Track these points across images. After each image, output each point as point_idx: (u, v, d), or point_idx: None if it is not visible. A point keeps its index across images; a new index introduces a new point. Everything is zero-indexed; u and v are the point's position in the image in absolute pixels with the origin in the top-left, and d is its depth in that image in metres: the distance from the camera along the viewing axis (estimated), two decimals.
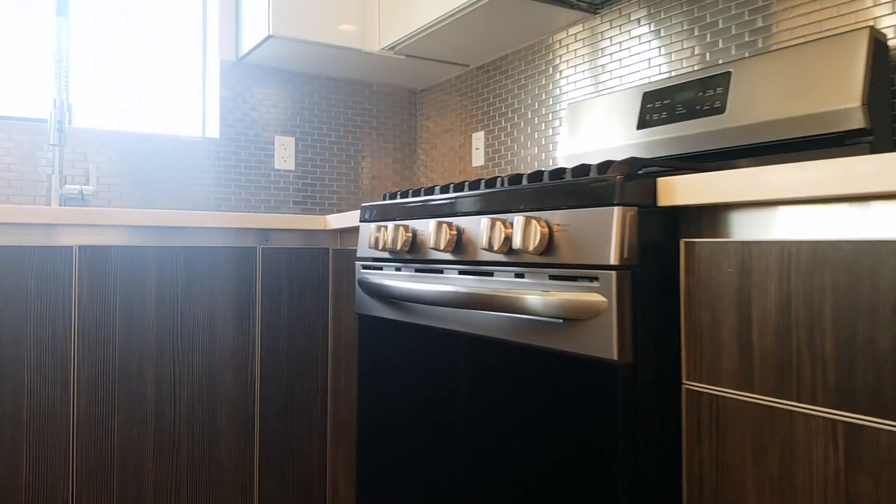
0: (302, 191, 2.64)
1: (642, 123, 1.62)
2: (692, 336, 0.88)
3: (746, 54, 1.56)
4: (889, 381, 0.69)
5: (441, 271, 1.23)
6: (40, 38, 2.31)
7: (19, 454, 1.46)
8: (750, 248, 0.82)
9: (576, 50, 2.05)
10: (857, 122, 1.23)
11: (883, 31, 1.31)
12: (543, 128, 2.18)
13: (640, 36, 1.83)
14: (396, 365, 1.38)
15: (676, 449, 0.91)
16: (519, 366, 1.05)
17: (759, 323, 0.80)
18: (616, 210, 0.89)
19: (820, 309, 0.75)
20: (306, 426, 1.82)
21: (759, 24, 1.53)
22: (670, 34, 1.74)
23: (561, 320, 0.95)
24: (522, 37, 2.19)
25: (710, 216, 0.89)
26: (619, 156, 1.70)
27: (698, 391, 0.87)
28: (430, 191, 1.32)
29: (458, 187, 1.24)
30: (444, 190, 1.28)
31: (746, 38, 1.56)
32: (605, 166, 0.96)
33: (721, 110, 1.45)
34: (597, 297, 0.89)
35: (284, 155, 2.60)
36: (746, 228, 0.84)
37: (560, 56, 2.11)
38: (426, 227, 1.27)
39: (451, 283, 1.19)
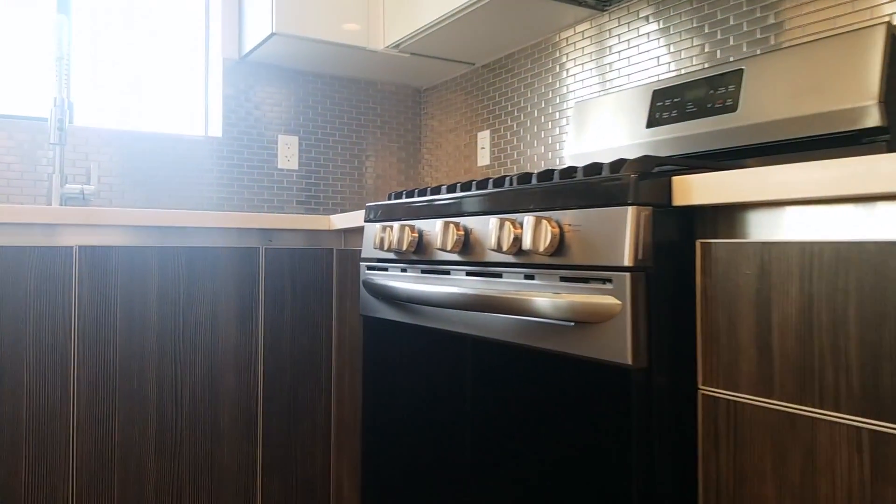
0: (305, 190, 2.61)
1: (652, 122, 1.60)
2: (709, 340, 0.85)
3: (758, 51, 1.53)
4: None
5: (448, 272, 1.20)
6: (41, 37, 2.29)
7: (18, 455, 1.44)
8: (769, 250, 0.79)
9: (583, 48, 2.02)
10: (874, 120, 1.20)
11: None
12: (550, 127, 2.15)
13: (648, 33, 1.80)
14: (401, 367, 1.35)
15: (692, 456, 0.88)
16: (527, 369, 1.03)
17: (780, 326, 0.78)
18: (630, 210, 0.86)
19: (844, 312, 0.72)
20: (310, 427, 1.80)
21: (771, 20, 1.51)
22: (679, 31, 1.72)
23: (572, 323, 0.93)
24: (529, 34, 2.16)
25: (727, 216, 0.86)
26: (627, 155, 1.67)
27: (715, 396, 0.85)
28: (436, 190, 1.30)
29: (466, 187, 1.21)
30: (451, 189, 1.25)
31: (758, 35, 1.53)
32: (618, 165, 0.94)
33: (733, 108, 1.43)
34: (610, 300, 0.87)
35: (288, 154, 2.57)
36: (765, 229, 0.81)
37: (567, 54, 2.08)
38: (433, 228, 1.25)
39: (459, 284, 1.17)
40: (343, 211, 2.69)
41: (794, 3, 1.46)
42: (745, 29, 1.56)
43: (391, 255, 1.37)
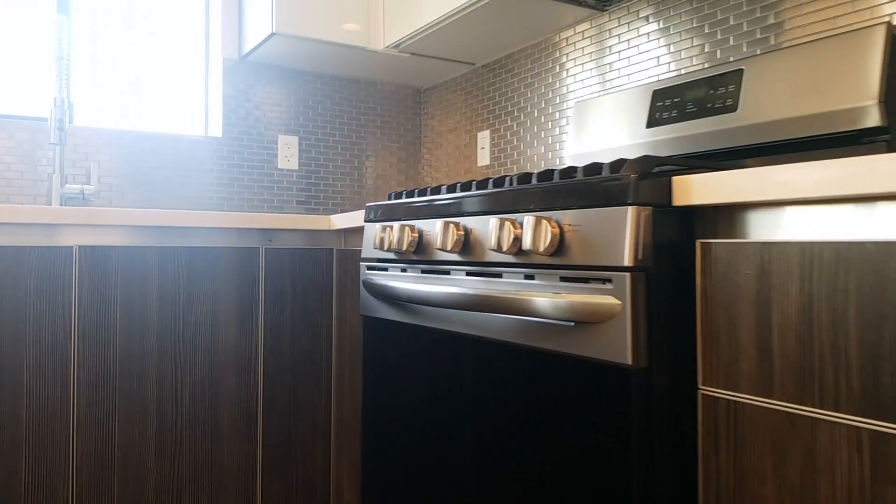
0: (305, 190, 2.61)
1: (652, 122, 1.60)
2: (709, 340, 0.85)
3: (758, 51, 1.53)
4: None
5: (448, 272, 1.20)
6: (41, 37, 2.29)
7: (18, 455, 1.44)
8: (769, 250, 0.79)
9: (583, 48, 2.02)
10: (874, 120, 1.20)
11: None
12: (550, 127, 2.15)
13: (648, 33, 1.80)
14: (402, 367, 1.35)
15: (692, 456, 0.88)
16: (526, 369, 1.03)
17: (780, 326, 0.78)
18: (630, 210, 0.86)
19: (844, 312, 0.72)
20: (310, 428, 1.80)
21: (771, 20, 1.51)
22: (680, 31, 1.72)
23: (572, 323, 0.92)
24: (529, 34, 2.16)
25: (727, 216, 0.86)
26: (627, 155, 1.67)
27: (715, 397, 0.84)
28: (436, 190, 1.30)
29: (466, 187, 1.21)
30: (451, 189, 1.25)
31: (758, 35, 1.53)
32: (618, 165, 0.94)
33: (733, 108, 1.43)
34: (610, 300, 0.87)
35: (288, 154, 2.57)
36: (765, 229, 0.81)
37: (567, 54, 2.08)
38: (433, 228, 1.25)
39: (459, 284, 1.17)
40: (343, 211, 2.69)
41: (793, 3, 1.46)
42: (745, 29, 1.56)
43: (391, 255, 1.37)
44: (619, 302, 0.86)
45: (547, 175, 1.06)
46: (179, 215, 1.61)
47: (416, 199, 1.32)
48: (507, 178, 1.12)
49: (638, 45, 1.83)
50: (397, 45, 2.30)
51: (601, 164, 0.98)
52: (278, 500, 1.75)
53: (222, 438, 1.68)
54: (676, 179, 0.87)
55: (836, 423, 0.73)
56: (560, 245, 0.95)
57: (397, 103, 2.82)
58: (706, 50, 1.65)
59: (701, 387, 0.86)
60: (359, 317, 1.70)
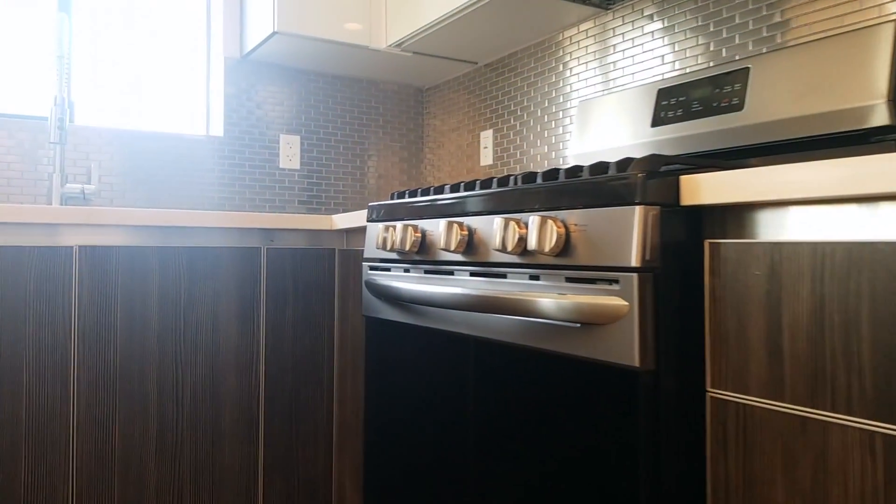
0: (307, 190, 2.60)
1: (657, 121, 1.58)
2: (717, 342, 0.84)
3: (764, 50, 1.51)
4: None
5: (451, 273, 1.19)
6: (41, 36, 2.28)
7: (18, 455, 1.43)
8: (780, 250, 0.78)
9: (587, 46, 2.01)
10: (882, 118, 1.19)
11: None
12: (553, 126, 2.14)
13: (652, 32, 1.79)
14: (404, 368, 1.34)
15: (700, 460, 0.87)
16: (530, 370, 1.02)
17: (791, 328, 0.76)
18: (637, 209, 0.85)
19: (857, 314, 0.71)
20: (312, 429, 1.79)
21: (777, 18, 1.49)
22: (684, 30, 1.70)
23: (578, 324, 0.91)
24: (532, 33, 2.15)
25: (735, 216, 0.84)
26: (631, 154, 1.65)
27: (724, 399, 0.83)
28: (440, 190, 1.29)
29: (470, 186, 1.20)
30: (455, 189, 1.24)
31: (764, 34, 1.52)
32: (625, 164, 0.92)
33: (739, 107, 1.41)
34: (617, 301, 0.85)
35: (290, 154, 2.56)
36: (774, 229, 0.80)
37: (570, 53, 2.07)
38: (436, 228, 1.24)
39: (463, 285, 1.15)
40: (344, 211, 2.67)
41: (800, 0, 1.45)
42: (750, 27, 1.55)
43: (394, 256, 1.36)
44: (626, 303, 0.85)
45: (552, 174, 1.05)
46: (180, 215, 1.60)
47: (419, 198, 1.31)
48: (512, 178, 1.10)
49: (642, 44, 1.82)
50: (399, 44, 2.28)
51: (607, 163, 0.97)
52: (280, 500, 1.74)
53: (223, 439, 1.66)
54: (684, 179, 0.86)
55: (848, 426, 0.71)
56: (566, 245, 0.94)
57: (399, 103, 2.81)
58: (711, 49, 1.63)
59: (709, 389, 0.85)
60: (361, 317, 1.69)
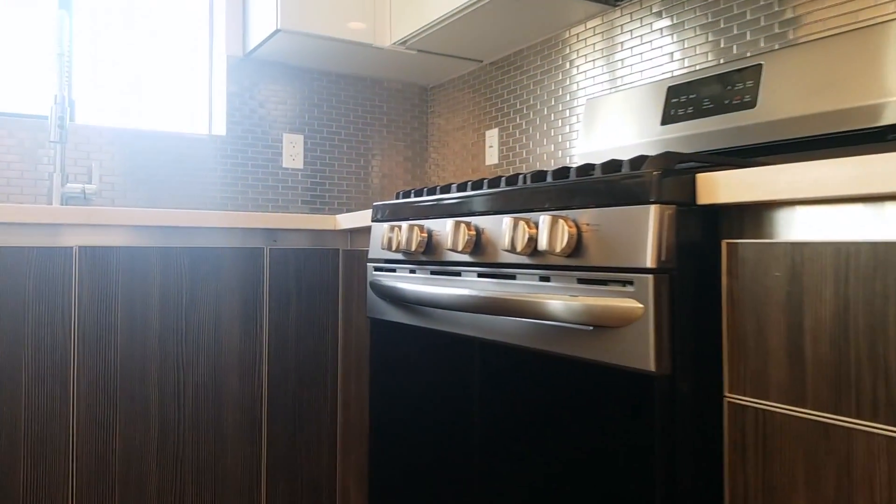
0: (311, 190, 2.58)
1: (667, 119, 1.56)
2: (735, 345, 0.81)
3: (776, 46, 1.49)
4: None
5: (459, 274, 1.17)
6: (42, 35, 2.26)
7: (16, 457, 1.41)
8: (801, 250, 0.75)
9: (594, 44, 1.98)
10: None
11: None
12: (560, 125, 2.11)
13: (661, 29, 1.76)
14: (410, 371, 1.31)
15: (718, 467, 0.84)
16: (538, 373, 0.99)
17: (812, 331, 0.74)
18: (653, 208, 0.82)
19: (882, 316, 0.68)
20: (315, 431, 1.76)
21: (790, 14, 1.46)
22: (694, 27, 1.67)
23: (591, 327, 0.89)
24: (538, 31, 2.12)
25: (754, 215, 0.82)
26: (640, 153, 1.63)
27: (742, 405, 0.80)
28: (446, 189, 1.26)
29: (477, 185, 1.17)
30: (462, 188, 1.21)
31: (776, 30, 1.49)
32: (639, 161, 0.90)
33: (751, 105, 1.38)
34: (632, 303, 0.83)
35: (293, 153, 2.54)
36: (794, 229, 0.77)
37: (577, 50, 2.04)
38: (443, 228, 1.21)
39: (470, 286, 1.13)
40: (348, 210, 2.65)
41: None
42: (762, 24, 1.52)
43: (399, 256, 1.33)
44: (640, 305, 0.82)
45: (563, 173, 1.02)
46: (182, 215, 1.57)
47: (425, 197, 1.28)
48: (521, 176, 1.08)
49: (651, 41, 1.79)
50: (404, 42, 2.26)
51: (620, 160, 0.94)
52: None
53: (226, 441, 1.64)
54: (701, 177, 0.83)
55: (874, 433, 0.68)
56: (577, 245, 0.91)
57: (404, 101, 2.78)
58: (721, 46, 1.60)
59: (727, 394, 0.82)
60: (365, 318, 1.67)
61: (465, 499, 1.15)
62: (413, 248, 1.25)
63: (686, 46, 1.69)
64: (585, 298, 0.87)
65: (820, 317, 0.73)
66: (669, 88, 1.57)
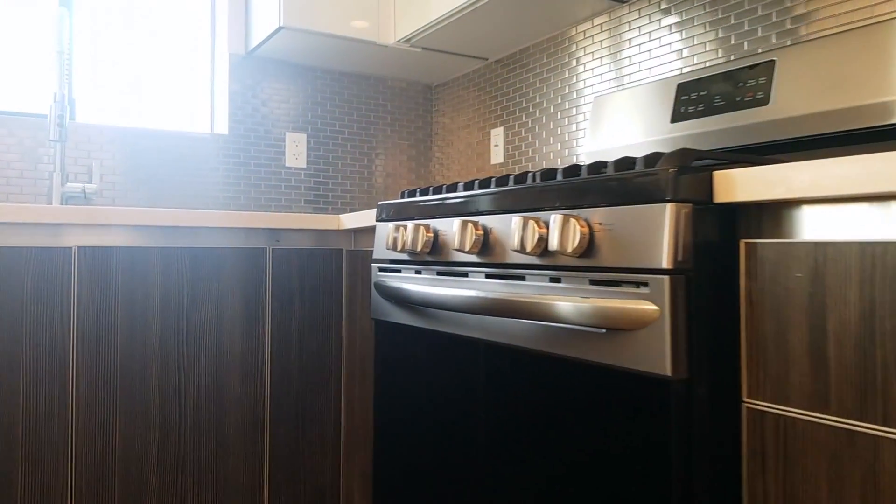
0: (314, 189, 2.55)
1: (676, 116, 1.53)
2: (755, 349, 0.78)
3: (788, 42, 1.46)
4: None
5: (466, 274, 1.14)
6: (42, 33, 2.24)
7: (14, 459, 1.39)
8: (824, 250, 0.72)
9: (601, 41, 1.95)
10: None
11: None
12: (566, 123, 2.08)
13: (669, 25, 1.73)
14: (415, 373, 1.29)
15: (736, 474, 0.81)
16: (545, 376, 0.96)
17: (836, 334, 0.71)
18: (669, 207, 0.79)
19: None
20: (319, 436, 1.74)
21: (801, 10, 1.43)
22: (703, 23, 1.64)
23: (604, 330, 0.86)
24: (544, 28, 2.09)
25: (773, 214, 0.79)
26: (650, 151, 1.60)
27: (762, 410, 0.78)
28: (452, 188, 1.23)
29: (485, 183, 1.14)
30: (469, 187, 1.18)
31: (788, 26, 1.46)
32: (654, 159, 0.87)
33: (764, 101, 1.36)
34: (646, 305, 0.80)
35: (296, 152, 2.51)
36: (816, 228, 0.75)
37: (584, 48, 2.01)
38: (449, 227, 1.18)
39: (478, 287, 1.10)
40: (352, 210, 2.62)
41: None
42: (774, 19, 1.49)
43: (404, 256, 1.31)
44: (656, 307, 0.79)
45: (573, 170, 0.99)
46: (184, 215, 1.55)
47: (430, 197, 1.25)
48: (530, 175, 1.05)
49: (659, 38, 1.76)
50: (408, 40, 2.23)
51: (634, 158, 0.91)
52: None
53: (228, 445, 1.62)
54: (718, 174, 0.81)
55: None
56: (589, 245, 0.89)
57: (408, 100, 2.75)
58: (732, 42, 1.58)
59: (745, 399, 0.79)
60: (369, 320, 1.64)
61: (470, 503, 1.13)
62: (419, 248, 1.22)
63: (695, 43, 1.66)
64: (598, 300, 0.84)
65: (844, 319, 0.70)
66: (679, 85, 1.54)
